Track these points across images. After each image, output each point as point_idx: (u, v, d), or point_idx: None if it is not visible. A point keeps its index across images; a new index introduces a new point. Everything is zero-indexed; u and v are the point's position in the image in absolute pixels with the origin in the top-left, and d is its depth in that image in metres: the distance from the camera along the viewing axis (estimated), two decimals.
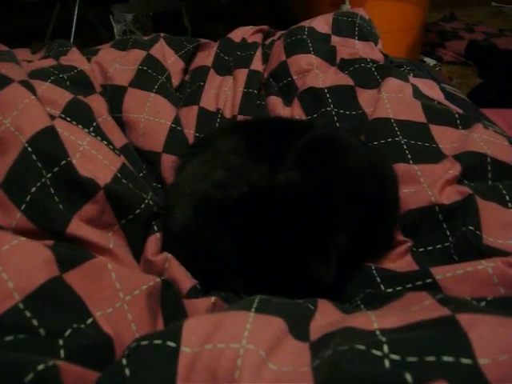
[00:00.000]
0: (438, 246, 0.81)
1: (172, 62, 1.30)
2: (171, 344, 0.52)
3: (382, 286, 0.75)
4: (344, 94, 1.16)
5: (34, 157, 0.77)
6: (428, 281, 0.70)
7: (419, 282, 0.71)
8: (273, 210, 0.77)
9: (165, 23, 2.60)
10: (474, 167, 0.89)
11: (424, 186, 0.88)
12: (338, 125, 1.12)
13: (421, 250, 0.83)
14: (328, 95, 1.15)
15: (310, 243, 0.74)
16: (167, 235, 0.87)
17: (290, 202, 0.78)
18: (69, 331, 0.57)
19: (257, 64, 1.33)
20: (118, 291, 0.65)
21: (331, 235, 0.75)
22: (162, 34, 1.37)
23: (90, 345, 0.56)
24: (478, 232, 0.77)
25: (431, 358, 0.45)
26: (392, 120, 1.01)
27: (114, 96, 1.13)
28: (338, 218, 0.77)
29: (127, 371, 0.50)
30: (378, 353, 0.47)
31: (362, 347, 0.48)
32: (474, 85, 2.55)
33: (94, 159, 0.85)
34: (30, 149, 0.77)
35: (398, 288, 0.73)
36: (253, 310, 0.57)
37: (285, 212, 0.77)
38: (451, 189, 0.85)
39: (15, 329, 0.55)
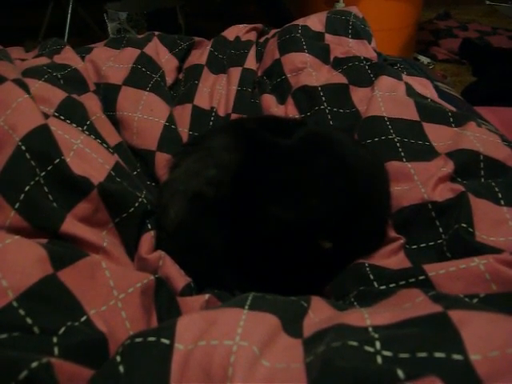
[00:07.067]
0: (430, 243, 0.81)
1: (166, 60, 1.30)
2: (165, 341, 0.52)
3: (375, 283, 0.75)
4: (338, 92, 1.16)
5: (28, 155, 0.77)
6: (421, 278, 0.70)
7: (412, 279, 0.71)
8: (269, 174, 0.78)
9: (159, 21, 2.60)
10: (467, 165, 0.89)
11: (417, 183, 0.88)
12: (331, 123, 1.12)
13: (414, 247, 0.83)
14: (322, 93, 1.16)
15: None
16: (161, 233, 0.87)
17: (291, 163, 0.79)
18: (63, 329, 0.57)
19: (251, 62, 1.33)
20: (112, 289, 0.65)
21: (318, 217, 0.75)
22: (156, 33, 1.37)
23: (84, 342, 0.56)
24: (470, 229, 0.77)
25: (423, 354, 0.45)
26: (385, 118, 1.01)
27: (108, 94, 1.12)
28: (326, 208, 0.77)
29: (121, 368, 0.50)
30: (371, 349, 0.47)
31: (355, 343, 0.48)
32: (468, 83, 2.57)
33: (88, 158, 0.85)
34: (23, 147, 0.77)
35: (390, 285, 0.73)
36: (246, 306, 0.57)
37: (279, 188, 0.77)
38: (444, 186, 0.86)
39: (9, 327, 0.54)
